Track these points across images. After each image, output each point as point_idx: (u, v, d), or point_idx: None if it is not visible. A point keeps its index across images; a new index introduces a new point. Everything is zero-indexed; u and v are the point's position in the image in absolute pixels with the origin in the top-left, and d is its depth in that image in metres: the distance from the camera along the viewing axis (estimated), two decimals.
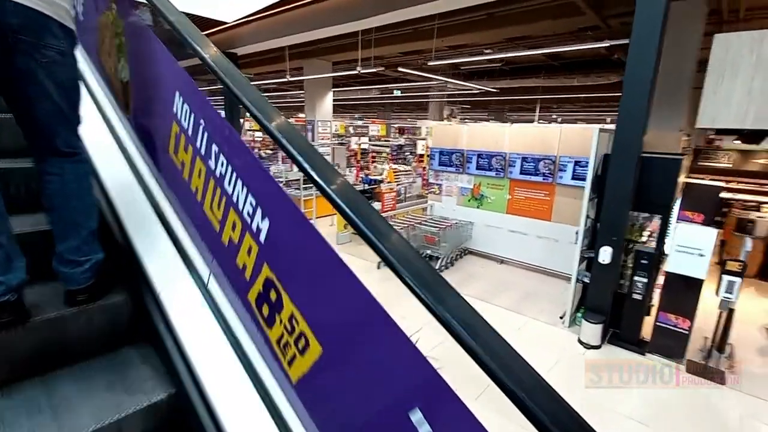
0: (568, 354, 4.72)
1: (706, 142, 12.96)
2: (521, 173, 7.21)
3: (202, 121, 0.98)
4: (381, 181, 11.23)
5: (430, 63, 8.30)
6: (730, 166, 11.09)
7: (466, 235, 7.97)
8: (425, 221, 7.53)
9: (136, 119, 1.33)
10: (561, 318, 5.41)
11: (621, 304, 4.89)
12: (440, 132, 8.63)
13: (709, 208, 5.29)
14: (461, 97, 16.72)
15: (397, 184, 10.62)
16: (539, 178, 7.00)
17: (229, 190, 0.92)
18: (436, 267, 7.05)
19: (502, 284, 6.63)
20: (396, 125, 26.37)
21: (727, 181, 9.78)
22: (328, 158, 13.63)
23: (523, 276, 7.06)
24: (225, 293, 1.07)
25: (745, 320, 5.37)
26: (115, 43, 1.32)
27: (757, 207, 8.49)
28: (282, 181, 10.37)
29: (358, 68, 8.68)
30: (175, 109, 1.07)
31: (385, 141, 19.99)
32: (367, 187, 10.76)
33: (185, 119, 1.04)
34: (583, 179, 6.39)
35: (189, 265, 1.16)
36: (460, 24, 7.77)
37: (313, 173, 0.86)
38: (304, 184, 9.50)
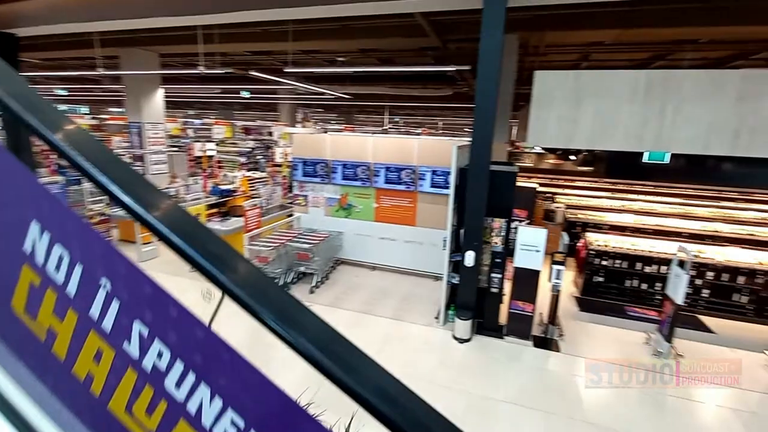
0: (446, 351, 5.17)
1: (513, 146, 16.05)
2: (386, 182, 7.53)
3: (104, 282, 0.56)
4: (234, 191, 10.19)
5: (286, 70, 7.85)
6: (531, 164, 14.13)
7: (338, 246, 7.92)
8: (296, 237, 7.14)
9: None
10: (436, 318, 5.89)
11: (483, 297, 5.61)
12: (302, 141, 8.30)
13: (530, 205, 6.55)
14: (314, 101, 16.52)
15: (257, 196, 9.80)
16: (402, 187, 7.44)
17: (178, 395, 0.56)
18: (313, 284, 6.79)
19: (380, 292, 6.83)
20: (241, 124, 24.39)
21: (529, 177, 12.30)
22: (165, 167, 11.65)
23: (396, 280, 7.43)
24: None
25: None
26: None
27: (552, 198, 10.97)
28: (102, 203, 8.35)
29: (201, 67, 7.57)
30: (28, 247, 0.60)
31: (232, 144, 18.26)
32: (219, 199, 9.57)
33: (57, 268, 0.59)
34: (441, 187, 7.11)
35: None
36: (314, 30, 7.57)
37: (120, 193, 0.61)
38: None
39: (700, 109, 4.57)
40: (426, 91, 12.98)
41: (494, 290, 5.53)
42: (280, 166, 13.18)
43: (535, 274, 5.25)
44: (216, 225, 8.24)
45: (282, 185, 11.28)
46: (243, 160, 15.52)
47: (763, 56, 8.27)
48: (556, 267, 5.24)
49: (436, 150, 7.11)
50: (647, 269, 6.65)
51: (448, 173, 6.98)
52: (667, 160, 5.08)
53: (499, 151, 6.89)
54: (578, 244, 7.35)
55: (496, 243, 5.58)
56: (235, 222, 8.25)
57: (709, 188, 10.54)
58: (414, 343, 5.33)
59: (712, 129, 4.59)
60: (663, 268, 6.48)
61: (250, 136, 22.84)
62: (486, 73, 4.71)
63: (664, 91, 4.65)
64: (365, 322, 5.77)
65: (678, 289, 5.04)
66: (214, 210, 8.95)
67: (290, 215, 8.71)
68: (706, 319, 6.17)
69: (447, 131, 29.39)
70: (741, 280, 6.21)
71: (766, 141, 4.45)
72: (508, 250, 5.55)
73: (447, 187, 7.05)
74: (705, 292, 6.37)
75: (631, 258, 6.74)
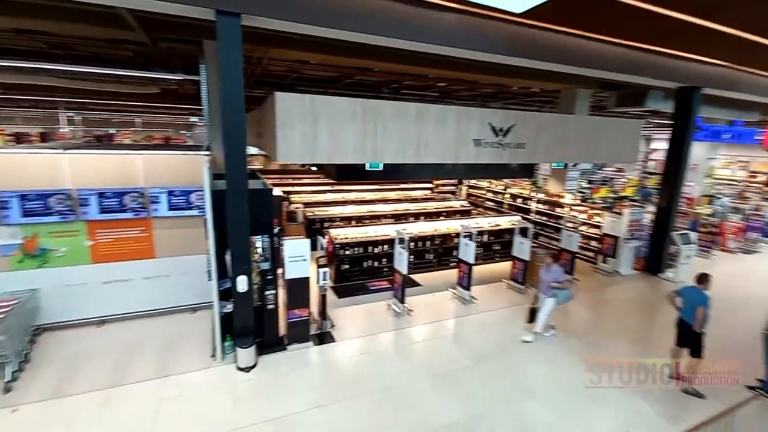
0: (236, 387, 4.84)
1: None
2: (102, 212, 5.90)
3: None
4: None
5: None
6: (261, 167, 14.47)
7: (34, 310, 5.64)
8: None
9: None
10: (213, 356, 5.34)
11: (260, 317, 5.53)
12: None
13: (278, 212, 6.92)
14: None
15: None
16: (129, 215, 6.05)
17: None
18: (7, 378, 4.59)
19: (126, 350, 5.42)
20: None
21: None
22: None
23: (144, 328, 6.08)
24: None
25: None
26: None
27: (288, 199, 11.76)
28: None
29: None
30: None
31: None
32: None
33: None
34: (182, 208, 6.32)
35: None
36: None
37: None
38: None
39: (397, 130, 6.16)
40: (124, 88, 10.69)
41: (270, 306, 5.56)
42: None
43: (306, 280, 5.67)
44: None
45: None
46: None
47: (409, 83, 11.75)
48: (321, 270, 5.84)
49: (171, 167, 6.19)
50: (376, 250, 8.43)
51: (189, 193, 6.31)
52: (381, 167, 6.57)
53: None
54: (325, 240, 8.35)
55: (255, 259, 5.57)
56: None
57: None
58: (196, 394, 4.66)
59: (405, 144, 6.29)
60: (386, 247, 8.41)
61: None
62: (231, 97, 4.55)
63: (373, 116, 5.94)
64: (120, 398, 4.51)
65: (402, 263, 6.74)
66: None
67: None
68: (416, 276, 8.54)
69: (149, 129, 25.28)
70: (427, 244, 8.94)
71: (432, 152, 6.53)
72: (276, 264, 5.67)
73: (190, 209, 6.36)
74: (411, 257, 8.73)
75: (364, 244, 8.34)
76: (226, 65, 4.50)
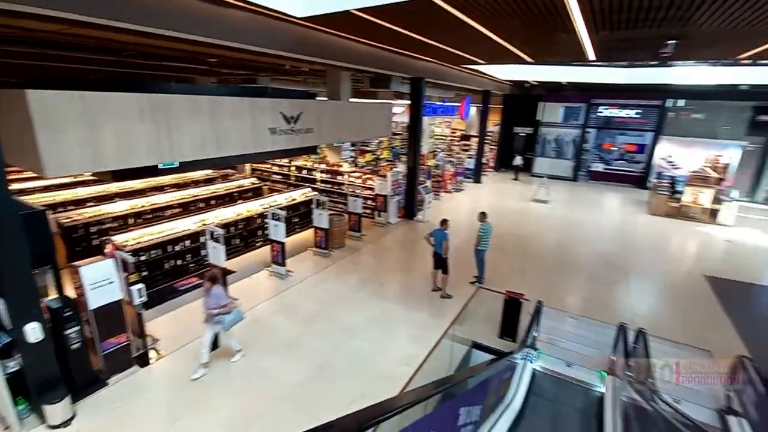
0: None
1: None
2: None
3: None
4: None
5: None
6: None
7: None
8: None
9: None
10: (7, 429, 4.23)
11: (63, 361, 4.66)
12: None
13: None
14: None
15: None
16: None
17: None
18: None
19: None
20: None
21: None
22: None
23: None
24: None
25: None
26: None
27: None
28: None
29: None
30: None
31: None
32: None
33: None
34: None
35: None
36: None
37: None
38: None
39: (193, 125, 5.89)
40: None
41: (76, 346, 4.73)
42: None
43: (118, 303, 5.06)
44: None
45: None
46: None
47: (162, 52, 10.45)
48: (135, 288, 5.27)
49: None
50: (177, 248, 7.86)
51: None
52: (176, 164, 6.12)
53: None
54: (107, 251, 7.12)
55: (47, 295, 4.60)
56: None
57: None
58: None
59: (204, 139, 6.11)
60: (188, 242, 7.96)
61: None
62: None
63: (165, 113, 5.47)
64: None
65: (219, 256, 6.76)
66: None
67: None
68: (226, 265, 8.51)
69: None
70: (232, 229, 8.95)
71: (232, 144, 6.59)
72: (67, 296, 4.78)
73: None
74: None
75: (162, 244, 7.62)
76: None
